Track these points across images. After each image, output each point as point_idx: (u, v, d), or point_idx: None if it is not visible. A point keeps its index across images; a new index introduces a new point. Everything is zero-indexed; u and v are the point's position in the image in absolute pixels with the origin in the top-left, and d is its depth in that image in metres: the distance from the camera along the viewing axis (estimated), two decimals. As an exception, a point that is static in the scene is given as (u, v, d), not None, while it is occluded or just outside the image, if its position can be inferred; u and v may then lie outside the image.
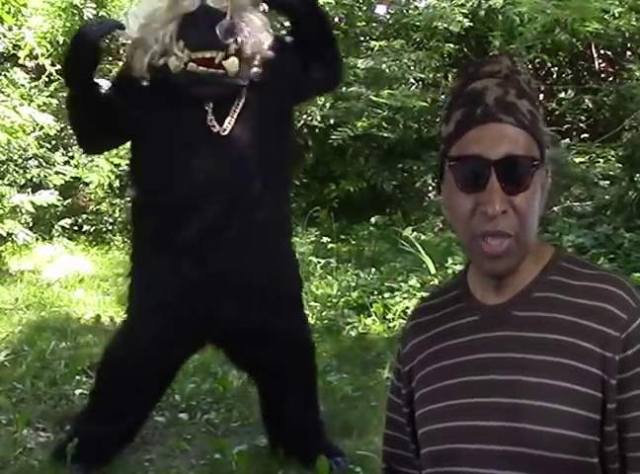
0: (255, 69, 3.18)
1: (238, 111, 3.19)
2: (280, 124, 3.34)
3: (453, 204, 1.32)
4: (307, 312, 5.40)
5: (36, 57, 8.29)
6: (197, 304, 3.17)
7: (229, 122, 3.17)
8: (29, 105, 7.62)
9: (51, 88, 8.48)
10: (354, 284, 6.09)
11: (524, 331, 1.31)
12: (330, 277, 6.40)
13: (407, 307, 5.34)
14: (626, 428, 1.28)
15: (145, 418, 3.50)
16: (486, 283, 1.36)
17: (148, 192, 3.29)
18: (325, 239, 7.58)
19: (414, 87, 8.73)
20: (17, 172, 8.09)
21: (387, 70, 8.37)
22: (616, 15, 7.67)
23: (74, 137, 8.62)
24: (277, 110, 3.27)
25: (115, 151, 8.29)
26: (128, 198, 8.66)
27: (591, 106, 9.14)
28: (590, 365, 1.27)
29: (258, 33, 3.18)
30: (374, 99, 8.05)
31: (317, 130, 8.55)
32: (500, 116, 1.28)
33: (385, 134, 8.23)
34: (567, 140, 8.31)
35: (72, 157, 8.51)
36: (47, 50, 8.45)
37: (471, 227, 1.29)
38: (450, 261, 6.12)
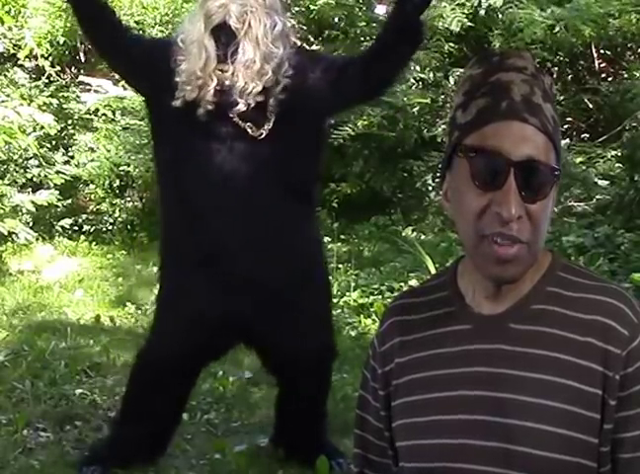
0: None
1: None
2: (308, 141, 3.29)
3: (462, 198, 1.23)
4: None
5: (35, 58, 8.31)
6: (228, 312, 3.18)
7: (263, 128, 3.14)
8: (29, 105, 7.62)
9: (52, 88, 8.49)
10: (354, 284, 6.08)
11: (520, 346, 1.24)
12: (330, 277, 6.39)
13: (407, 307, 5.33)
14: (621, 447, 1.22)
15: (177, 422, 3.51)
16: (482, 289, 1.27)
17: (171, 194, 3.29)
18: (325, 239, 7.57)
19: (414, 86, 8.73)
20: (17, 172, 8.10)
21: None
22: (616, 15, 7.67)
23: (74, 134, 8.70)
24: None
25: (114, 151, 8.30)
26: (129, 198, 8.70)
27: (591, 106, 9.13)
28: (589, 385, 1.21)
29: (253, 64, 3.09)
30: (375, 97, 8.05)
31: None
32: (525, 115, 1.20)
33: (385, 133, 8.23)
34: (567, 140, 8.30)
35: (72, 157, 8.51)
36: (47, 51, 8.46)
37: (479, 226, 1.21)
38: (450, 261, 6.10)
